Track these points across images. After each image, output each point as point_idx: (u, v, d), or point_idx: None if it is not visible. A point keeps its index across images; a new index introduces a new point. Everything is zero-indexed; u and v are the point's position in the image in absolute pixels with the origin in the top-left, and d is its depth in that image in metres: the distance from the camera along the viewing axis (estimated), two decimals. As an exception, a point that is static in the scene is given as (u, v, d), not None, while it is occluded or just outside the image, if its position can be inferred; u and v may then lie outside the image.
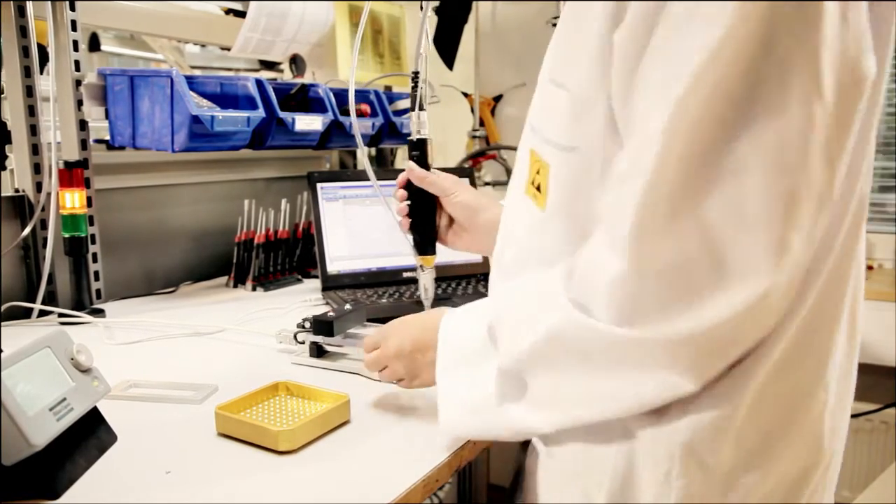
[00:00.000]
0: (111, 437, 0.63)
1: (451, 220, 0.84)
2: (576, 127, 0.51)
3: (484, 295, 0.71)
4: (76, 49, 1.12)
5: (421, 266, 0.84)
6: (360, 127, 1.35)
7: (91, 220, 1.16)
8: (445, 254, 0.90)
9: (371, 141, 1.45)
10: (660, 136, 0.43)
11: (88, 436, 0.60)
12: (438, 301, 1.08)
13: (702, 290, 0.44)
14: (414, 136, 0.83)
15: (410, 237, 0.84)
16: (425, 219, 0.84)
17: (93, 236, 1.17)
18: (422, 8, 0.78)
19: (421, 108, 0.81)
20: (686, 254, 0.43)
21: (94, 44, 1.61)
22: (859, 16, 0.43)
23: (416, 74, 0.80)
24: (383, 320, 0.90)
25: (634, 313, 0.45)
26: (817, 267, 0.48)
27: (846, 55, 0.43)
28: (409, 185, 0.83)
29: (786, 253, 0.43)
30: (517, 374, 0.53)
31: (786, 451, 0.50)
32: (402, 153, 1.88)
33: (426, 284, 0.84)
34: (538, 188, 0.56)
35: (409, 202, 0.84)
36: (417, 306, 1.05)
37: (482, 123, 1.97)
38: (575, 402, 0.50)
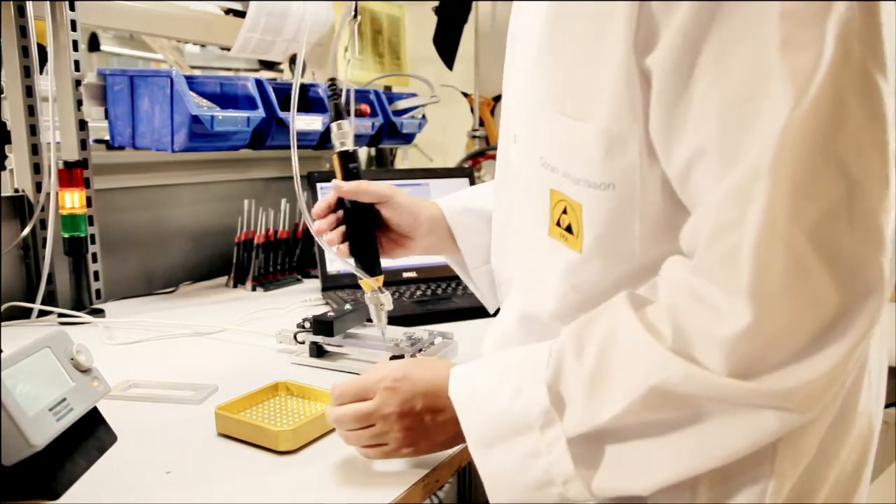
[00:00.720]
0: (111, 438, 0.63)
1: (387, 230, 0.78)
2: (609, 163, 0.48)
3: None
4: (76, 49, 1.11)
5: (379, 288, 0.74)
6: (360, 127, 1.36)
7: (91, 220, 1.16)
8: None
9: (371, 141, 1.45)
10: (767, 174, 0.40)
11: (88, 436, 0.60)
12: (438, 300, 1.08)
13: (825, 330, 0.41)
14: (338, 149, 0.74)
15: (352, 261, 0.74)
16: (368, 235, 0.75)
17: (92, 236, 1.17)
18: (355, 15, 0.74)
19: (340, 118, 0.73)
20: (806, 296, 0.41)
21: (93, 44, 1.61)
22: None
23: (332, 81, 0.73)
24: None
25: (757, 366, 0.42)
26: None
27: (892, 41, 0.41)
28: (339, 205, 0.75)
29: (887, 261, 0.42)
30: (595, 440, 0.48)
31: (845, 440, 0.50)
32: (401, 153, 1.89)
33: (387, 306, 0.74)
34: (568, 229, 0.52)
35: (343, 225, 0.75)
36: (418, 306, 1.06)
37: (482, 123, 1.97)
38: (672, 459, 0.46)
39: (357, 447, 0.58)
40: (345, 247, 0.75)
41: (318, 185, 1.27)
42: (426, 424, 0.56)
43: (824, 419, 0.48)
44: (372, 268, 0.74)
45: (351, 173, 0.74)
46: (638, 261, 0.50)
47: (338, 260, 1.25)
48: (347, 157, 0.74)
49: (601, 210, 0.50)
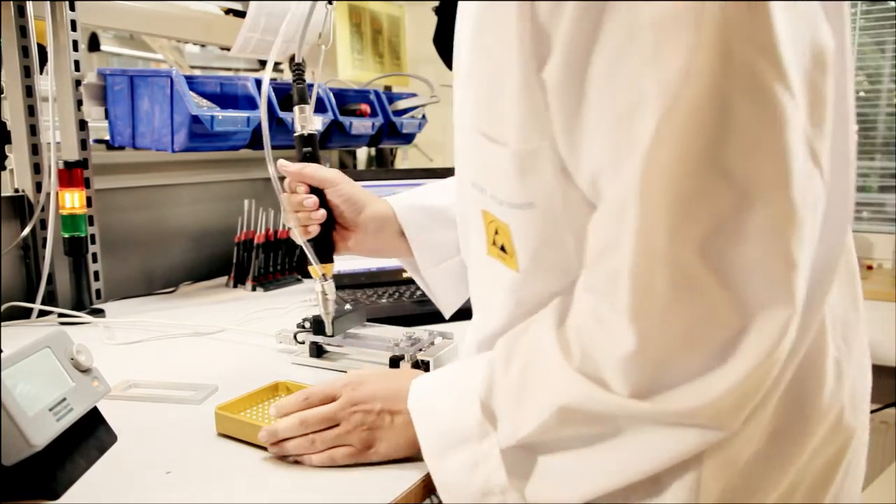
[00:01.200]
0: (111, 438, 0.63)
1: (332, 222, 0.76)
2: (525, 183, 0.47)
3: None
4: (76, 49, 1.12)
5: (324, 275, 0.73)
6: (360, 127, 1.36)
7: (91, 220, 1.16)
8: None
9: (371, 141, 1.45)
10: (637, 194, 0.39)
11: (88, 436, 0.60)
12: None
13: (725, 346, 0.40)
14: (297, 132, 0.73)
15: (308, 245, 0.72)
16: (327, 221, 0.73)
17: (92, 236, 1.17)
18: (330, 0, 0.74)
19: (304, 102, 0.72)
20: (699, 313, 0.40)
21: (93, 44, 1.61)
22: None
23: (298, 66, 0.72)
24: (383, 320, 0.91)
25: (655, 386, 0.41)
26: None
27: (801, 39, 0.39)
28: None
29: (797, 274, 0.40)
30: (527, 451, 0.50)
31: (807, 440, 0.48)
32: (401, 153, 1.88)
33: (330, 296, 0.74)
34: (503, 249, 0.52)
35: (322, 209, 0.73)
36: (418, 306, 1.06)
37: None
38: (599, 471, 0.47)
39: (320, 455, 0.58)
40: (317, 228, 0.72)
41: (318, 185, 1.27)
42: (385, 425, 0.58)
43: (756, 425, 0.46)
44: (324, 254, 0.74)
45: (305, 157, 0.74)
46: (578, 271, 0.48)
47: (338, 260, 1.25)
48: (303, 141, 0.73)
49: (528, 229, 0.49)
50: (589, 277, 0.46)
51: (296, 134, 0.74)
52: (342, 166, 1.78)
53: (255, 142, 1.20)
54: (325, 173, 0.73)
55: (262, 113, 0.70)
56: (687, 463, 0.45)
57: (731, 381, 0.40)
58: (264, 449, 0.61)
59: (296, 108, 0.72)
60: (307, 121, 0.73)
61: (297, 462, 0.59)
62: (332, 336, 0.80)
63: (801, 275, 0.40)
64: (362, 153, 1.86)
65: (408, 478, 0.56)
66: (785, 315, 0.40)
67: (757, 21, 0.37)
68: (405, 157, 1.90)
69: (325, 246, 0.74)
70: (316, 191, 0.72)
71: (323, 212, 0.72)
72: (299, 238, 0.72)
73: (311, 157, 0.73)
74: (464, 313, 1.02)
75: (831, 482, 0.50)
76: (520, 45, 0.43)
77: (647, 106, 0.38)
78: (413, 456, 0.57)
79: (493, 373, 0.51)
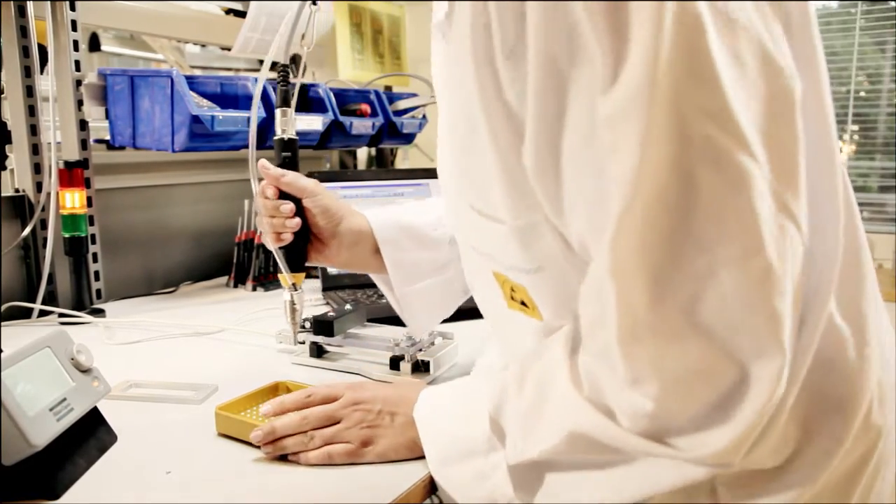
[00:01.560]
0: (111, 438, 0.63)
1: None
2: (530, 252, 0.48)
3: None
4: (76, 49, 1.12)
5: (294, 285, 0.71)
6: (360, 126, 1.36)
7: (91, 220, 1.16)
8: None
9: (371, 141, 1.45)
10: (610, 273, 0.41)
11: (88, 436, 0.60)
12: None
13: (724, 397, 0.41)
14: (278, 135, 0.72)
15: (280, 252, 0.70)
16: (301, 230, 0.71)
17: (93, 236, 1.17)
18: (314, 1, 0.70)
19: (286, 105, 0.71)
20: (692, 369, 0.41)
21: (94, 44, 1.61)
22: (755, 42, 0.40)
23: (284, 68, 0.71)
24: (383, 320, 0.91)
25: (661, 432, 0.43)
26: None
27: (756, 94, 0.40)
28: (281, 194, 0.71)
29: (783, 326, 0.41)
30: (533, 468, 0.51)
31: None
32: (402, 153, 1.88)
33: (298, 306, 0.72)
34: (523, 303, 0.53)
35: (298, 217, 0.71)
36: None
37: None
38: (605, 492, 0.48)
39: (317, 452, 0.59)
40: (291, 235, 0.70)
41: (319, 185, 1.27)
42: (385, 424, 0.60)
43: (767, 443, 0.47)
44: (296, 264, 0.72)
45: (284, 161, 0.72)
46: None
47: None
48: (284, 145, 0.72)
49: (543, 288, 0.50)
50: (587, 343, 0.47)
51: (276, 137, 0.72)
52: (342, 166, 1.79)
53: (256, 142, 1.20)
54: (304, 182, 0.71)
55: (253, 114, 0.70)
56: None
57: (735, 433, 0.41)
58: (264, 449, 0.61)
59: (278, 111, 0.71)
60: (288, 124, 0.71)
61: (294, 462, 0.59)
62: (294, 345, 0.80)
63: (787, 324, 0.41)
64: (362, 153, 1.86)
65: (408, 478, 0.56)
66: (777, 364, 0.41)
67: (707, 90, 0.38)
68: (405, 157, 1.90)
69: (297, 255, 0.72)
70: (293, 199, 0.71)
71: (298, 220, 0.70)
72: (271, 244, 0.71)
73: (291, 162, 0.72)
74: (464, 313, 1.02)
75: (858, 483, 0.50)
76: (490, 128, 0.46)
77: (613, 194, 0.40)
78: (409, 458, 0.59)
79: (504, 391, 0.52)
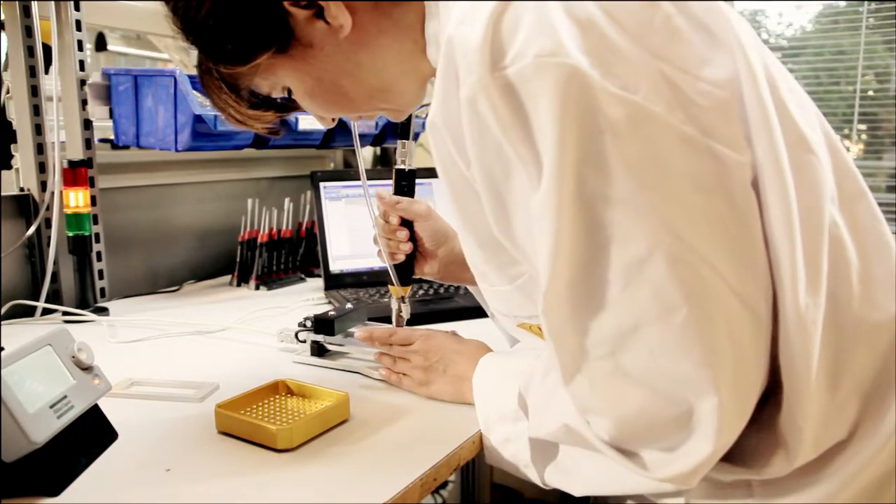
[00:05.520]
0: (112, 435, 0.63)
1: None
2: (537, 301, 0.51)
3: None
4: (80, 49, 1.12)
5: (402, 298, 0.82)
6: (363, 126, 1.36)
7: (95, 219, 1.17)
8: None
9: (375, 140, 1.45)
10: (548, 337, 0.48)
11: (89, 433, 0.60)
12: (441, 300, 1.08)
13: (681, 420, 0.45)
14: (399, 166, 0.80)
15: (393, 268, 0.81)
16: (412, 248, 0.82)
17: (97, 235, 1.18)
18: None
19: (405, 137, 0.78)
20: (637, 406, 0.46)
21: (100, 43, 1.62)
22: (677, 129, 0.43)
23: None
24: (385, 319, 0.91)
25: (632, 447, 0.49)
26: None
27: (677, 174, 0.43)
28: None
29: (713, 369, 0.43)
30: (548, 444, 0.58)
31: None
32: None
33: (404, 315, 0.82)
34: (530, 328, 0.64)
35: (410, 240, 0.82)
36: (420, 305, 1.06)
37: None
38: (609, 477, 0.53)
39: (395, 376, 0.75)
40: (401, 255, 0.82)
41: (321, 184, 1.27)
42: (438, 371, 0.72)
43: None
44: (405, 278, 0.82)
45: (402, 190, 0.80)
46: None
47: (341, 259, 1.26)
48: (403, 175, 0.80)
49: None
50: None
51: (397, 167, 0.80)
52: (347, 166, 1.79)
53: (258, 142, 1.20)
54: (416, 208, 0.81)
55: (357, 147, 0.72)
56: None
57: (692, 462, 0.46)
58: (264, 447, 0.61)
59: (399, 143, 0.79)
60: (406, 156, 0.79)
61: (296, 454, 0.59)
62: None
63: (724, 365, 0.44)
64: (367, 152, 1.86)
65: (405, 478, 0.56)
66: (714, 403, 0.44)
67: (610, 180, 0.43)
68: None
69: (406, 271, 0.82)
70: (406, 222, 0.81)
71: (411, 244, 0.81)
72: (386, 261, 0.81)
73: (408, 190, 0.80)
74: (466, 313, 1.02)
75: (888, 489, 0.50)
76: (463, 212, 0.54)
77: (540, 275, 0.47)
78: (457, 402, 0.71)
79: (534, 374, 0.60)
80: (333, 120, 0.64)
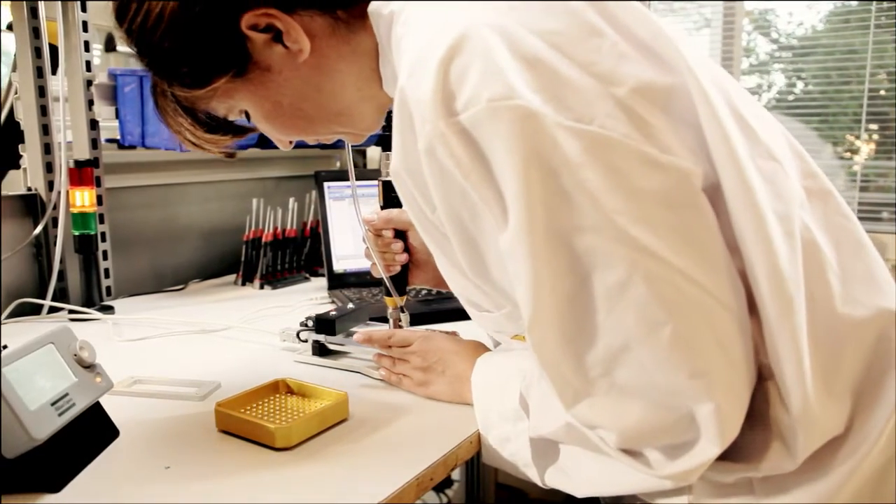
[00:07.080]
0: (113, 433, 0.63)
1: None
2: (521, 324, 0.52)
3: None
4: (87, 50, 1.13)
5: (401, 307, 0.82)
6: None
7: (101, 218, 1.18)
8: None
9: (380, 140, 1.45)
10: (540, 367, 0.48)
11: (90, 431, 0.61)
12: (441, 300, 1.08)
13: (684, 420, 0.46)
14: (383, 178, 0.81)
15: (389, 280, 0.81)
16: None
17: (103, 234, 1.19)
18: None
19: (389, 149, 0.79)
20: (637, 414, 0.47)
21: (110, 44, 1.63)
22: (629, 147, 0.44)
23: (389, 114, 0.79)
24: (386, 319, 0.91)
25: (633, 451, 0.49)
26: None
27: (645, 191, 0.44)
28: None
29: (706, 378, 0.44)
30: (549, 444, 0.58)
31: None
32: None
33: (403, 324, 0.83)
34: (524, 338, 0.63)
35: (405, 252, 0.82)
36: (421, 305, 1.06)
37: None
38: (609, 477, 0.53)
39: (395, 376, 0.76)
40: (397, 267, 0.82)
41: (326, 184, 1.27)
42: (437, 373, 0.73)
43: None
44: (401, 288, 0.82)
45: (390, 201, 0.80)
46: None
47: (344, 259, 1.26)
48: (389, 186, 0.80)
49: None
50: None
51: (383, 179, 0.81)
52: (353, 166, 1.79)
53: (263, 141, 1.21)
54: (407, 217, 0.81)
55: (350, 171, 0.71)
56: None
57: (696, 461, 0.46)
58: (263, 446, 0.61)
59: (382, 154, 0.80)
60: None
61: (297, 452, 0.60)
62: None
63: (714, 370, 0.45)
64: (373, 152, 1.87)
65: (401, 477, 0.56)
66: (711, 407, 0.45)
67: (578, 210, 0.43)
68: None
69: (402, 281, 0.83)
70: (399, 232, 0.81)
71: (406, 255, 0.81)
72: (382, 273, 0.81)
73: (396, 200, 0.79)
74: (466, 313, 1.02)
75: (884, 484, 0.50)
76: (438, 246, 0.56)
77: (522, 310, 0.47)
78: (456, 402, 0.71)
79: (534, 375, 0.59)
80: (291, 142, 0.64)
